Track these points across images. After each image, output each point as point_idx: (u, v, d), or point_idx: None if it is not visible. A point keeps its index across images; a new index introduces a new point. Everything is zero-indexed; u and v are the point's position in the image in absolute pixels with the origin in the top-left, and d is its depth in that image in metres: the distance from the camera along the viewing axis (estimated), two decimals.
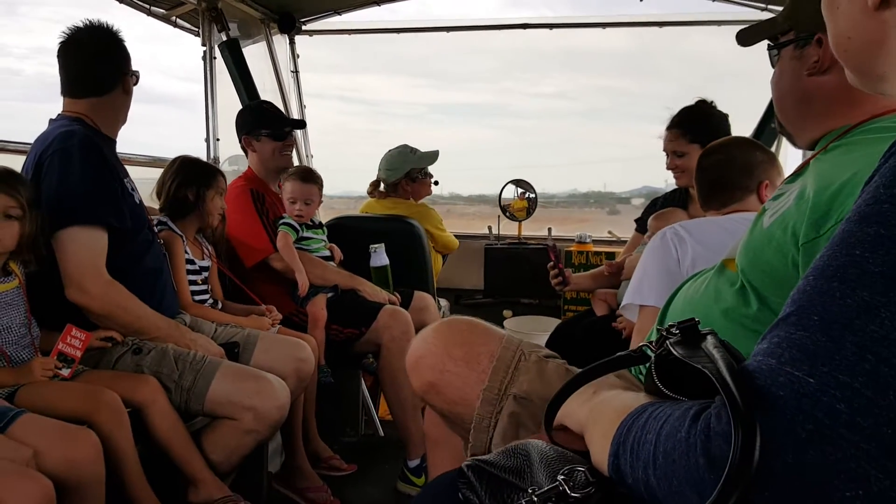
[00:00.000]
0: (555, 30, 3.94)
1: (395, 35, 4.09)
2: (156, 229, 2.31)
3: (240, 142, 2.97)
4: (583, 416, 0.81)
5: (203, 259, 2.47)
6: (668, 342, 0.71)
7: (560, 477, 0.65)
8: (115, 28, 2.07)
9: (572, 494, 0.63)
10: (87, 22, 2.03)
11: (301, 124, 3.33)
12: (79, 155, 1.87)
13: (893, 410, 0.45)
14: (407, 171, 3.47)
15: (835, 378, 0.47)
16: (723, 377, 0.55)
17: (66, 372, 1.74)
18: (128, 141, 2.24)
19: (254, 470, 2.14)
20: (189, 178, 2.41)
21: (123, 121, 2.14)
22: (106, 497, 1.56)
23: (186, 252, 2.38)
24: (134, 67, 2.12)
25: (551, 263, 2.74)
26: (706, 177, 1.95)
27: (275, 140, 2.89)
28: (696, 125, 2.51)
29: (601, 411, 0.77)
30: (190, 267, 2.39)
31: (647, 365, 0.76)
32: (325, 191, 2.89)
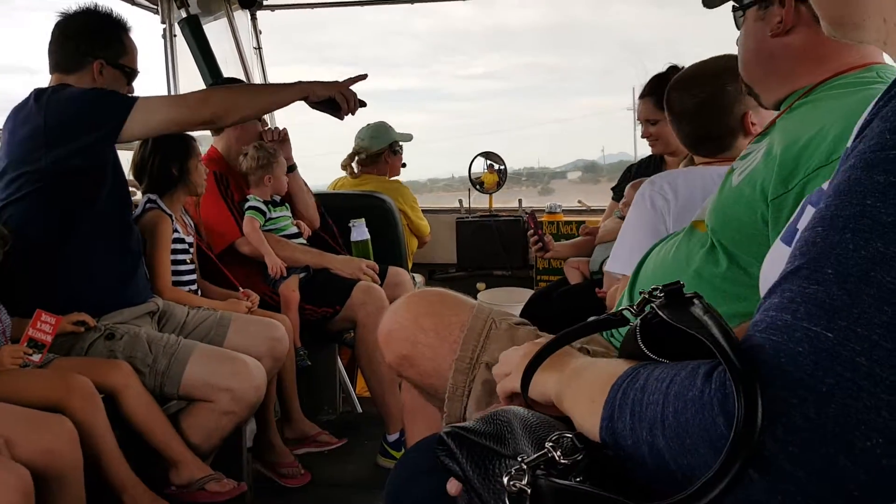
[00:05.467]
0: (482, 8, 3.86)
1: (321, 24, 4.03)
2: (146, 207, 2.29)
3: None
4: (551, 387, 0.80)
5: (189, 235, 2.43)
6: (652, 305, 0.70)
7: (548, 444, 0.65)
8: (99, 11, 2.04)
9: (561, 461, 0.63)
10: (78, 7, 2.03)
11: None
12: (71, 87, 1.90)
13: None
14: (390, 142, 3.46)
15: (853, 331, 0.47)
16: (719, 343, 0.55)
17: (36, 358, 1.71)
18: None
19: (233, 447, 2.14)
20: (170, 151, 2.33)
21: None
22: (86, 483, 1.54)
23: (177, 230, 2.34)
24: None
25: (531, 231, 2.74)
26: (684, 130, 1.79)
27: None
28: None
29: (581, 378, 0.76)
30: (179, 246, 2.35)
31: (628, 329, 0.75)
32: None
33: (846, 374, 0.47)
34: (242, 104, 2.01)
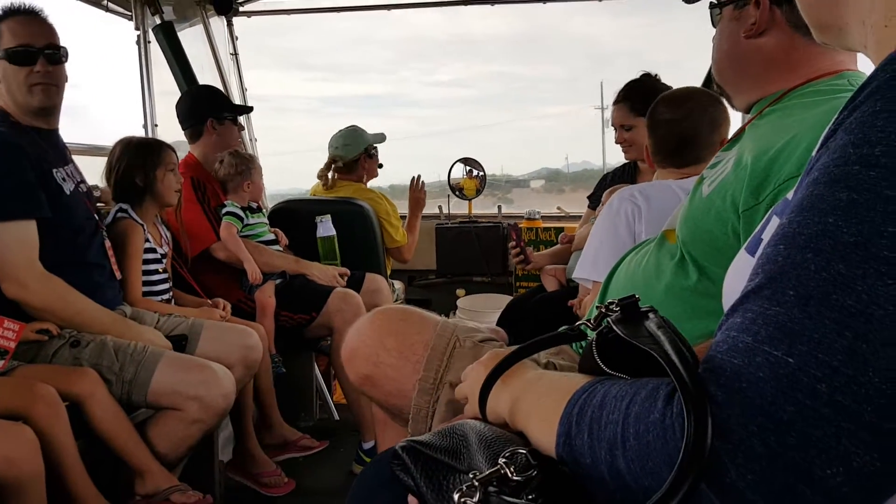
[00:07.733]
0: (449, 16, 3.86)
1: (284, 28, 4.04)
2: (117, 216, 2.25)
3: (194, 126, 2.88)
4: (503, 406, 0.79)
5: (162, 246, 2.38)
6: (608, 319, 0.69)
7: (501, 460, 0.63)
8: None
9: (514, 478, 0.62)
10: None
11: (249, 109, 3.36)
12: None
13: (872, 387, 0.44)
14: (365, 147, 3.41)
15: (814, 357, 0.46)
16: (671, 360, 0.55)
17: None
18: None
19: (204, 459, 2.10)
20: (134, 160, 2.29)
21: (28, 103, 1.95)
22: (47, 494, 1.51)
23: (148, 240, 2.29)
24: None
25: (513, 243, 2.75)
26: (674, 130, 1.80)
27: (234, 123, 2.91)
28: (643, 98, 2.52)
29: (533, 392, 0.75)
30: (151, 256, 2.31)
31: (587, 342, 0.74)
32: None
33: (807, 402, 0.46)
34: (65, 313, 1.89)
